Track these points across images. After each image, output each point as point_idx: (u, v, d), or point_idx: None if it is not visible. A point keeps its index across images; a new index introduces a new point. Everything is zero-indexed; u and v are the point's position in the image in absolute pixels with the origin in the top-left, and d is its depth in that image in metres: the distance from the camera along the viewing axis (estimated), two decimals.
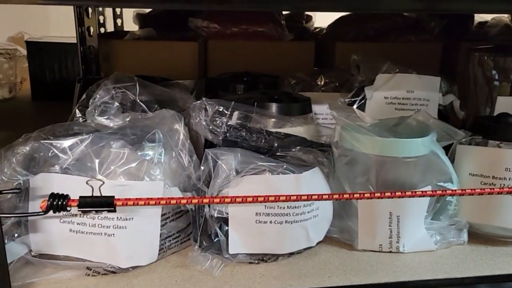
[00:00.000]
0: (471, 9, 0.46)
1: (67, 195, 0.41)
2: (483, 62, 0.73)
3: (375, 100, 0.71)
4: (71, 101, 0.77)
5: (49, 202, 0.40)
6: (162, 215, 0.49)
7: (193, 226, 0.52)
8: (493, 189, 0.46)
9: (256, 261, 0.52)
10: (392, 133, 0.56)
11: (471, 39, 0.96)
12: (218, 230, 0.51)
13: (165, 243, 0.51)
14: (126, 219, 0.47)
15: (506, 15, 1.08)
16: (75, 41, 0.94)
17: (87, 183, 0.42)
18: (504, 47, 0.78)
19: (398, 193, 0.45)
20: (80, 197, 0.41)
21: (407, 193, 0.45)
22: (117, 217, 0.46)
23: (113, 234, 0.47)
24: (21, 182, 0.46)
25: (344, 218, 0.56)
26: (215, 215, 0.50)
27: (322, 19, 1.20)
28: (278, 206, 0.50)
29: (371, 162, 0.53)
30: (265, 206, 0.50)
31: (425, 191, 0.46)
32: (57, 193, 0.41)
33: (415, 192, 0.45)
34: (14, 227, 0.47)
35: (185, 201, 0.42)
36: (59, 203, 0.40)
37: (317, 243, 0.54)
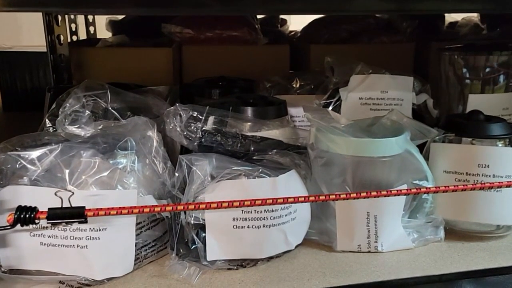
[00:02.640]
0: (441, 9, 0.47)
1: (35, 207, 0.40)
2: (453, 61, 0.74)
3: (350, 101, 0.72)
4: (43, 110, 0.76)
5: (16, 215, 0.39)
6: (137, 224, 0.48)
7: (169, 234, 0.51)
8: (466, 185, 0.46)
9: (235, 267, 0.51)
10: (367, 133, 0.56)
11: (442, 38, 0.98)
12: (195, 237, 0.50)
13: (141, 252, 0.50)
14: (99, 230, 0.46)
15: (475, 15, 1.10)
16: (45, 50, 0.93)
17: (55, 194, 0.41)
18: (474, 46, 0.79)
19: (373, 193, 0.44)
20: (49, 209, 0.40)
21: (382, 192, 0.45)
22: (90, 228, 0.45)
23: (86, 246, 0.45)
24: None
25: (323, 220, 0.56)
26: (192, 221, 0.50)
27: (297, 23, 1.21)
28: (255, 210, 0.49)
29: (347, 163, 0.53)
30: (242, 210, 0.49)
31: (400, 190, 0.46)
32: (25, 206, 0.40)
33: (390, 191, 0.45)
34: None
35: (159, 208, 0.41)
36: (27, 216, 0.39)
37: (296, 246, 0.54)
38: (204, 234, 0.50)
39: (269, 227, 0.50)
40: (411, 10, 0.50)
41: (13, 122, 1.09)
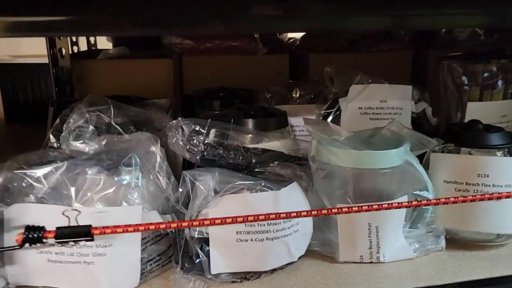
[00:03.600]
0: (439, 25, 0.48)
1: (43, 227, 0.40)
2: (452, 70, 0.75)
3: (349, 111, 0.73)
4: (46, 123, 0.76)
5: (24, 235, 0.40)
6: (142, 239, 0.49)
7: (174, 248, 0.52)
8: (466, 197, 0.47)
9: (239, 280, 0.51)
10: (367, 145, 0.57)
11: (440, 46, 0.99)
12: (199, 250, 0.50)
13: (146, 267, 0.50)
14: (105, 246, 0.46)
15: None
16: (47, 62, 0.93)
17: (63, 213, 0.42)
18: (472, 54, 0.80)
19: (375, 206, 0.45)
20: (57, 228, 0.40)
21: (384, 205, 0.46)
22: (96, 245, 0.46)
23: (93, 262, 0.46)
24: None
25: (325, 231, 0.56)
26: (196, 235, 0.50)
27: None
28: (258, 223, 0.50)
29: (348, 175, 0.54)
30: (245, 224, 0.50)
31: (401, 203, 0.47)
32: (33, 225, 0.41)
33: (392, 204, 0.46)
34: None
35: (164, 225, 0.42)
36: (35, 235, 0.40)
37: (299, 258, 0.54)
38: (208, 248, 0.50)
39: (272, 239, 0.51)
40: (408, 27, 0.51)
41: (15, 134, 1.10)
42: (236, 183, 0.51)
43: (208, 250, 0.50)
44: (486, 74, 0.74)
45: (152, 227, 0.42)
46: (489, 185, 0.54)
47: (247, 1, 0.39)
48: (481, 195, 0.48)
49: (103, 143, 0.55)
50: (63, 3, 0.39)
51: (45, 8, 0.39)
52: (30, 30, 0.37)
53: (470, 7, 0.43)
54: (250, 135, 0.58)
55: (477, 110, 0.72)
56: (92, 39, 1.17)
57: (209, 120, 0.58)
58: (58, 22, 0.39)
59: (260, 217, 0.43)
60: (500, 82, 0.74)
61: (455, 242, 0.58)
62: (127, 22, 0.42)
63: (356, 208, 0.45)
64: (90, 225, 0.41)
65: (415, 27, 0.52)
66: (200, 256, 0.50)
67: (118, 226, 0.41)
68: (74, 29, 0.39)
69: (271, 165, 0.57)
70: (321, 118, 0.74)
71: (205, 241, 0.50)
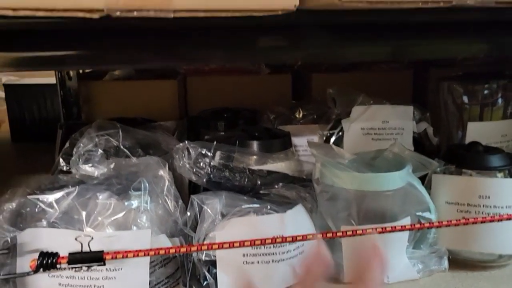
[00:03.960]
0: (438, 55, 0.50)
1: (56, 253, 0.42)
2: (452, 90, 0.77)
3: (352, 132, 0.74)
4: (52, 143, 0.78)
5: (38, 261, 0.41)
6: (151, 262, 0.50)
7: (181, 271, 0.53)
8: (468, 219, 0.48)
9: None
10: (370, 167, 0.58)
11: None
12: (206, 273, 0.51)
13: None
14: (115, 270, 0.47)
15: None
16: (53, 82, 0.95)
17: (76, 239, 0.43)
18: (472, 74, 0.82)
19: (379, 229, 0.46)
20: (70, 254, 0.42)
21: (387, 228, 0.47)
22: (106, 269, 0.47)
23: (103, 286, 0.47)
24: (8, 239, 0.46)
25: (329, 253, 0.57)
26: (203, 258, 0.51)
27: None
28: (264, 246, 0.51)
29: (352, 197, 0.55)
30: (252, 247, 0.51)
31: (405, 225, 0.48)
32: (46, 252, 0.42)
33: (395, 227, 0.47)
34: (2, 284, 0.47)
35: (173, 250, 0.43)
36: (49, 261, 0.41)
37: None
38: (215, 270, 0.51)
39: (278, 262, 0.52)
40: (407, 56, 0.52)
41: (22, 153, 1.11)
42: (243, 206, 0.52)
43: (215, 273, 0.51)
44: (486, 92, 0.75)
45: (162, 251, 0.43)
46: (490, 206, 0.55)
47: (254, 35, 0.41)
48: (482, 217, 0.49)
49: (112, 166, 0.57)
50: (70, 39, 0.41)
51: (56, 44, 0.40)
52: (37, 64, 0.39)
53: (469, 37, 0.45)
54: (255, 157, 0.60)
55: (477, 130, 0.73)
56: None
57: (215, 142, 0.59)
58: (67, 56, 0.41)
59: (267, 241, 0.44)
60: (499, 100, 0.76)
61: (458, 262, 0.58)
62: (135, 54, 0.44)
63: (361, 231, 0.46)
64: (102, 251, 0.42)
65: (415, 57, 0.53)
66: (208, 279, 0.51)
67: (129, 251, 0.42)
68: (83, 63, 0.40)
69: (276, 186, 0.58)
70: (324, 138, 0.75)
71: (212, 263, 0.51)
